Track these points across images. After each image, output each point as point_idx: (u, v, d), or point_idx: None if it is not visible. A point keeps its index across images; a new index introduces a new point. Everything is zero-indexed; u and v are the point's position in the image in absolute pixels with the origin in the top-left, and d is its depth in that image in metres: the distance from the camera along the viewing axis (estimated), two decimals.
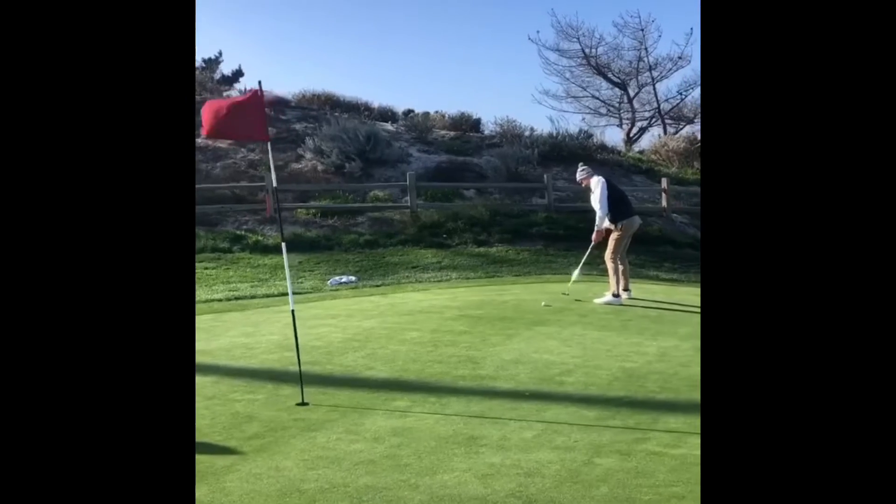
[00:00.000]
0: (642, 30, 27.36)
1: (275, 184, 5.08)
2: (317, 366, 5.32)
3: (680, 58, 28.02)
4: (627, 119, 29.63)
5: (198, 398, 4.56)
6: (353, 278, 9.98)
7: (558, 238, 12.11)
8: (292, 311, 4.80)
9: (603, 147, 17.66)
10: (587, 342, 6.00)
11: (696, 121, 29.17)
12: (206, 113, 4.40)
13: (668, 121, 29.25)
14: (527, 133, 17.58)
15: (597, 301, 7.88)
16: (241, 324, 7.19)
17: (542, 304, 7.58)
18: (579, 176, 8.44)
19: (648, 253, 11.81)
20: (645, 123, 29.90)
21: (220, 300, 8.71)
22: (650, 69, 28.82)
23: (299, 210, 13.26)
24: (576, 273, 8.71)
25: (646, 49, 28.32)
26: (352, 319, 7.21)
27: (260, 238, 12.25)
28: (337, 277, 9.98)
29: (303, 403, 4.40)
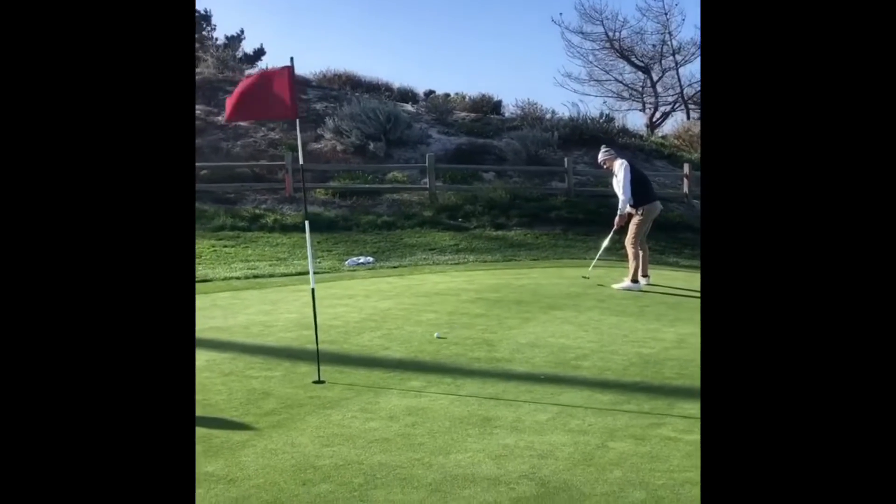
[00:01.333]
0: (666, 14, 27.04)
1: (301, 161, 5.05)
2: (334, 345, 5.35)
3: None
4: (650, 103, 29.35)
5: (215, 374, 4.62)
6: (370, 259, 10.00)
7: (577, 222, 12.04)
8: (312, 289, 4.81)
9: (625, 131, 17.51)
10: (604, 327, 5.98)
11: None
12: (233, 97, 4.40)
13: (691, 106, 28.86)
14: (548, 116, 17.46)
15: (615, 286, 7.83)
16: (260, 302, 7.24)
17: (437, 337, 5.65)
18: (602, 157, 8.23)
19: (669, 239, 11.73)
20: (668, 108, 29.59)
21: (238, 278, 8.77)
22: (674, 53, 28.49)
23: (318, 190, 13.29)
24: (599, 254, 8.65)
25: (669, 33, 28.00)
26: (369, 300, 7.24)
27: (279, 217, 12.30)
28: (354, 258, 10.01)
29: (319, 381, 4.43)
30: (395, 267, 9.63)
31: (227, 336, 5.72)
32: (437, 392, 4.25)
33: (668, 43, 28.13)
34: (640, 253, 7.90)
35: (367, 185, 13.42)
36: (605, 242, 8.53)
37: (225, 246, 10.87)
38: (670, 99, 29.84)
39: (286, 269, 9.33)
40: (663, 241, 11.50)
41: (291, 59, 4.50)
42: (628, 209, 7.88)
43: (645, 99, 29.90)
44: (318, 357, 4.59)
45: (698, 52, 27.75)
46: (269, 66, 20.10)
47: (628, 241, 7.93)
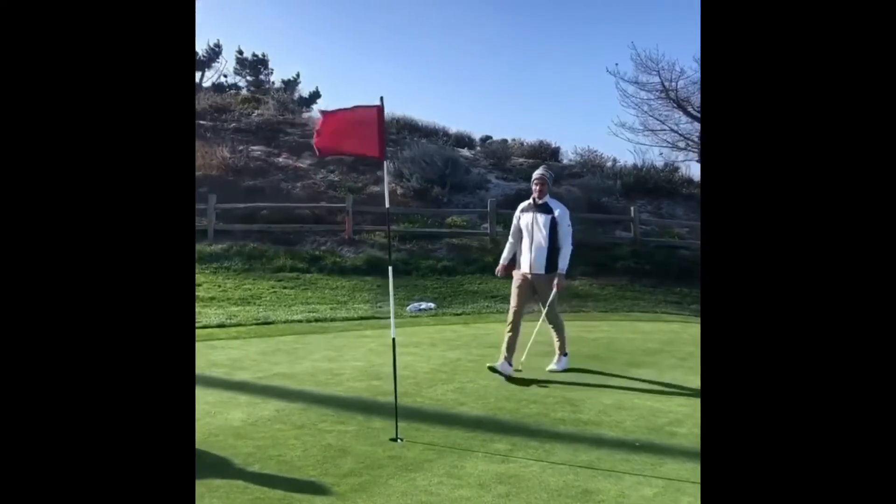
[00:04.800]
0: None
1: (388, 204, 4.86)
2: (406, 397, 5.08)
3: None
4: None
5: (287, 426, 4.39)
6: (432, 305, 9.76)
7: (644, 273, 11.61)
8: (393, 339, 4.56)
9: (689, 181, 17.07)
10: (690, 389, 5.59)
11: None
12: (324, 128, 4.27)
13: None
14: (609, 164, 17.16)
15: (550, 368, 6.11)
16: (324, 347, 7.04)
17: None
18: (542, 175, 6.01)
19: None
20: None
21: (300, 321, 8.60)
22: None
23: (377, 233, 13.18)
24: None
25: None
26: (435, 349, 6.98)
27: (338, 259, 12.20)
28: (416, 303, 9.79)
29: (396, 439, 4.16)
30: (458, 314, 9.37)
31: (294, 384, 5.51)
32: (526, 457, 3.93)
33: None
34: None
35: (426, 230, 13.25)
36: (544, 313, 6.11)
37: (285, 287, 10.78)
38: None
39: (347, 313, 9.14)
40: None
41: (381, 98, 4.35)
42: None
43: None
44: (396, 414, 4.33)
45: None
46: (329, 107, 20.35)
47: (552, 309, 6.07)
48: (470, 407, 4.94)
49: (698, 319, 8.16)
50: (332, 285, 11.10)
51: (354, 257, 12.29)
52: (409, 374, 5.84)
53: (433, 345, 7.21)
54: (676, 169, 17.94)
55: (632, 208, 13.13)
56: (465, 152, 18.50)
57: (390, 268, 4.68)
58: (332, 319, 8.75)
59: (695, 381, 5.85)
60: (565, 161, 19.19)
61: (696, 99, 28.07)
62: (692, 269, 11.79)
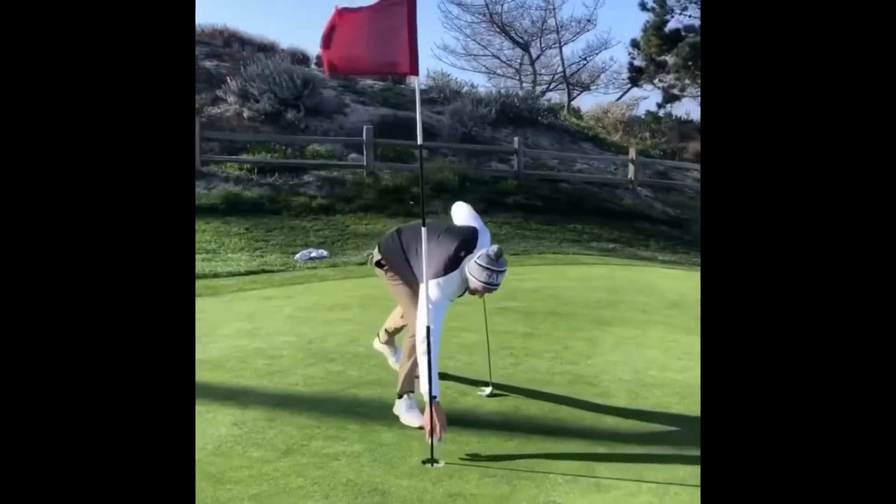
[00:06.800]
0: None
1: (420, 140, 3.57)
2: (382, 388, 4.01)
3: (588, 20, 27.65)
4: (528, 81, 28.97)
5: (269, 452, 3.19)
6: (323, 252, 8.48)
7: (536, 210, 11.00)
8: (427, 328, 3.39)
9: (550, 110, 16.64)
10: (695, 350, 5.02)
11: (592, 87, 29.06)
12: (338, 35, 2.92)
13: (570, 85, 28.81)
14: (465, 89, 16.27)
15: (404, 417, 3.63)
16: (229, 317, 5.66)
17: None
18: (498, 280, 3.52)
19: (627, 229, 11.01)
20: (545, 87, 29.35)
21: None
22: (557, 31, 28.31)
23: (229, 165, 11.35)
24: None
25: (552, 9, 27.72)
26: (369, 311, 5.84)
27: None
28: (306, 251, 8.44)
29: (432, 461, 3.13)
30: (361, 264, 8.17)
31: (228, 377, 4.21)
32: (614, 476, 3.07)
33: (550, 20, 27.87)
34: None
35: (291, 161, 11.61)
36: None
37: None
38: (546, 78, 29.72)
39: (227, 267, 7.62)
40: (626, 231, 10.80)
41: None
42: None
43: (522, 76, 29.61)
44: (431, 428, 3.25)
45: (581, 30, 27.78)
46: None
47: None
48: (478, 399, 3.99)
49: (618, 260, 7.72)
50: None
51: (207, 194, 10.47)
52: (365, 351, 4.73)
53: (363, 307, 6.07)
54: (538, 97, 17.47)
55: (516, 139, 12.38)
56: (307, 70, 16.67)
57: (423, 228, 3.44)
58: (215, 275, 7.21)
59: (682, 340, 5.31)
60: (413, 86, 18.02)
61: (520, 24, 28.09)
62: (579, 204, 11.45)
